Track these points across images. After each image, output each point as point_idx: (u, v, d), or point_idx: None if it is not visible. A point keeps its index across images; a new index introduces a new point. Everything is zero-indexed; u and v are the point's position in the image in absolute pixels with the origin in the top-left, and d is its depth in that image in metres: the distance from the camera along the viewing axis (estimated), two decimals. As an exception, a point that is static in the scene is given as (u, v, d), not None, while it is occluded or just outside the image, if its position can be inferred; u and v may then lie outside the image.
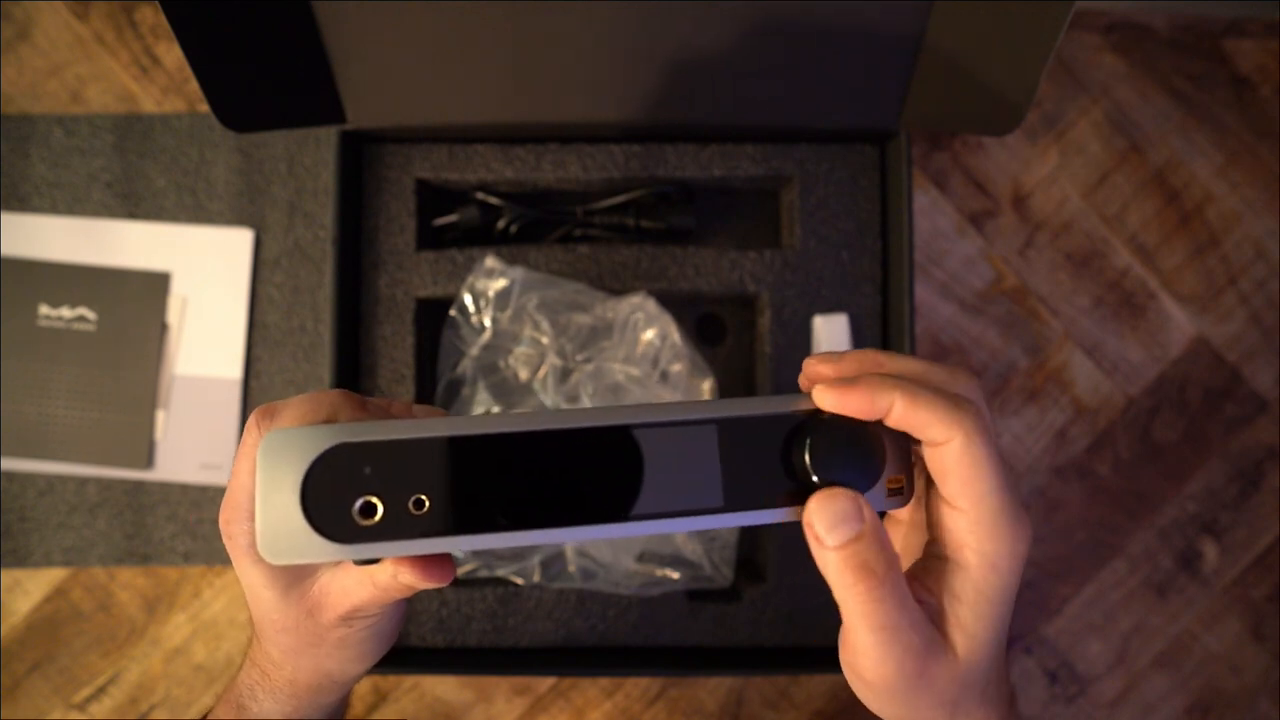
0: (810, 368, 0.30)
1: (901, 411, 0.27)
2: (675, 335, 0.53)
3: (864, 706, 0.31)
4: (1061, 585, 0.61)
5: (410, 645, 0.54)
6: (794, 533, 0.33)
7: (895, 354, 0.30)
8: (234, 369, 0.60)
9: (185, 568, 0.59)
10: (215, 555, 0.59)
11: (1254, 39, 0.63)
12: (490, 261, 0.54)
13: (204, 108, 0.60)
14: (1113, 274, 0.62)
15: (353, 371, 0.55)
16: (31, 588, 0.60)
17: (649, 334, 0.53)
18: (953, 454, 0.27)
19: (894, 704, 0.29)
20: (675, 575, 0.54)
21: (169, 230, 0.60)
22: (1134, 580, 0.61)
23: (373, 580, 0.30)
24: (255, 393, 0.60)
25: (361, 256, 0.56)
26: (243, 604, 0.60)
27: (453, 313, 0.55)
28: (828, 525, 0.27)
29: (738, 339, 0.59)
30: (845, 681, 0.34)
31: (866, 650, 0.27)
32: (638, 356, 0.53)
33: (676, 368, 0.54)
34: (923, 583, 0.29)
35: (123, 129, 0.61)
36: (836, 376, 0.29)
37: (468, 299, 0.54)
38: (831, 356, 0.30)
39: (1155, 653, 0.61)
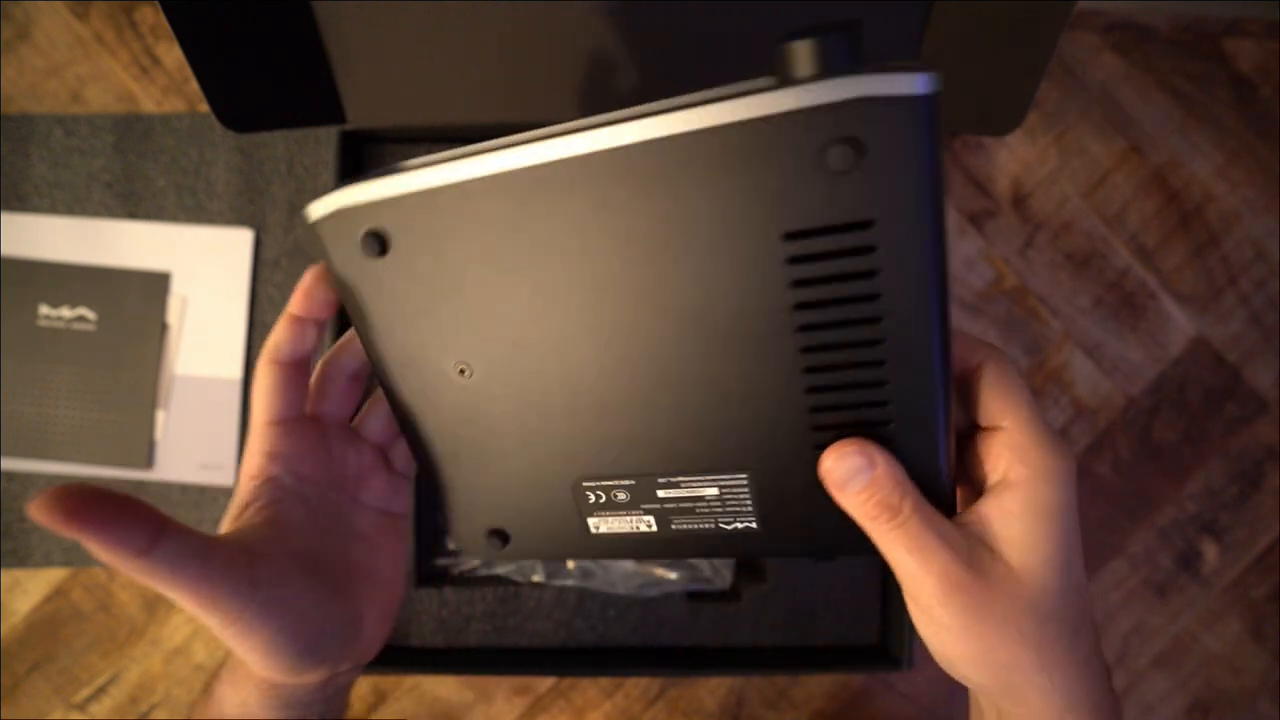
0: None
1: None
2: None
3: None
4: (1061, 585, 0.61)
5: (410, 645, 0.54)
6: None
7: None
8: (234, 369, 0.60)
9: (185, 568, 0.59)
10: (215, 555, 0.59)
11: (1254, 39, 0.63)
12: None
13: (204, 108, 0.60)
14: (1113, 274, 0.62)
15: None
16: (31, 588, 0.60)
17: None
18: (986, 375, 0.28)
19: (964, 638, 0.28)
20: (674, 576, 0.54)
21: (169, 230, 0.60)
22: (1134, 580, 0.61)
23: None
24: (255, 393, 0.60)
25: (361, 256, 0.56)
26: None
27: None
28: (843, 479, 0.28)
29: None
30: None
31: (911, 576, 0.28)
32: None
33: None
34: (973, 512, 0.29)
35: (123, 129, 0.61)
36: None
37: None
38: None
39: (1155, 653, 0.61)
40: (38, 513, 0.24)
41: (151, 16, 0.62)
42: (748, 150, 0.24)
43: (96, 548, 0.25)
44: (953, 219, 0.62)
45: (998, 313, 0.62)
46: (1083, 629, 0.28)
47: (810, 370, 0.27)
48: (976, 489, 0.30)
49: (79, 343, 0.60)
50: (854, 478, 0.28)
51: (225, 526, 0.32)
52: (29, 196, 0.60)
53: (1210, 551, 0.61)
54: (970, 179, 0.62)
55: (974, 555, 0.28)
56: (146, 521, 0.26)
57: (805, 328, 0.27)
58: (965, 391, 0.29)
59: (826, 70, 0.23)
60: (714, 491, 0.31)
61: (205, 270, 0.60)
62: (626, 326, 0.28)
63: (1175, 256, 0.62)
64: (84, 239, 0.60)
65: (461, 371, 0.32)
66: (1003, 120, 0.48)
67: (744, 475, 0.31)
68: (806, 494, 0.30)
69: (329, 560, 0.33)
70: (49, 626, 0.59)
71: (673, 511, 0.33)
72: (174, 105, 0.62)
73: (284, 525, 0.32)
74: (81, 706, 0.59)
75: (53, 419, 0.59)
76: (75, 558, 0.59)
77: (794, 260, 0.25)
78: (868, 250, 0.25)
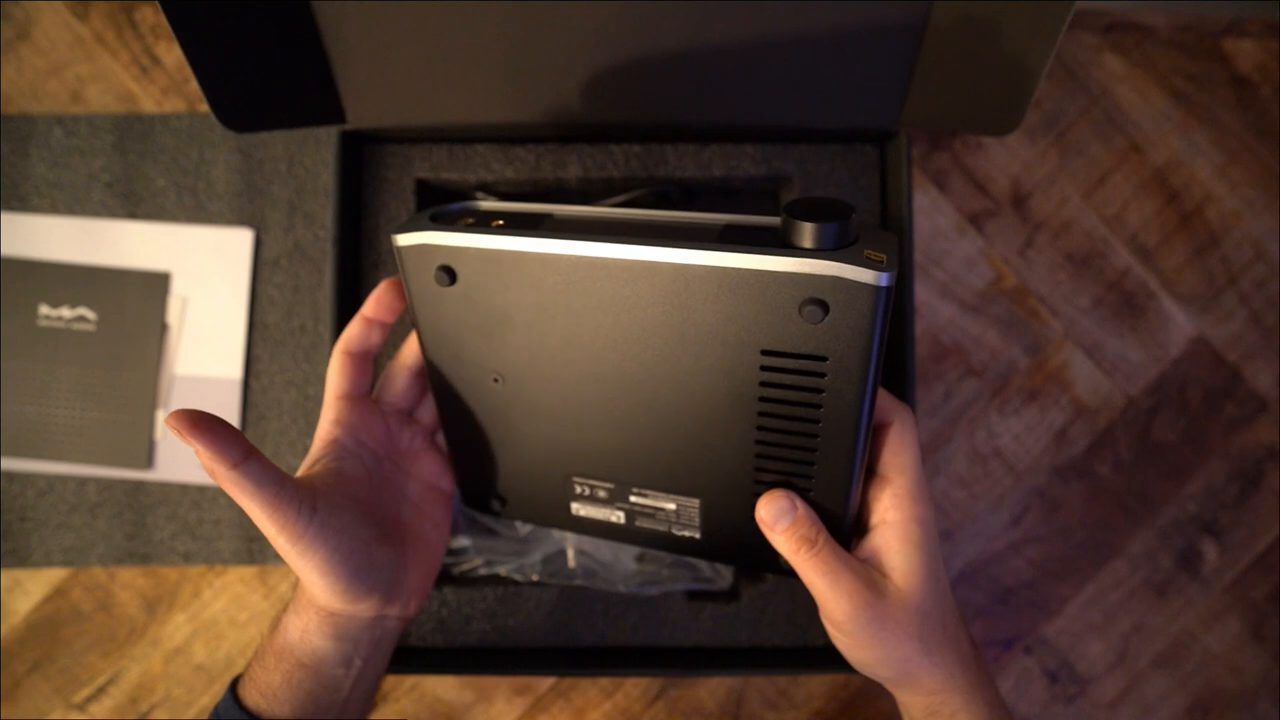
0: None
1: None
2: None
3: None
4: (1061, 585, 0.61)
5: (410, 645, 0.54)
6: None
7: None
8: (234, 369, 0.60)
9: (185, 568, 0.59)
10: (215, 555, 0.59)
11: (1254, 39, 0.63)
12: None
13: (204, 108, 0.60)
14: (1113, 274, 0.62)
15: (353, 371, 0.55)
16: (31, 588, 0.60)
17: None
18: (892, 431, 0.37)
19: (870, 644, 0.36)
20: (675, 576, 0.54)
21: (169, 230, 0.61)
22: (1134, 580, 0.61)
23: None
24: (255, 393, 0.60)
25: (361, 256, 0.56)
26: (243, 604, 0.60)
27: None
28: (773, 518, 0.36)
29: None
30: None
31: (825, 597, 0.36)
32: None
33: None
34: (864, 546, 0.38)
35: (123, 129, 0.61)
36: None
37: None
38: None
39: (1155, 653, 0.61)
40: (171, 422, 0.32)
41: (151, 16, 0.62)
42: (749, 287, 0.32)
43: (203, 455, 0.32)
44: (953, 219, 0.62)
45: (998, 313, 0.62)
46: (949, 620, 0.38)
47: (760, 442, 0.36)
48: (861, 524, 0.39)
49: (79, 343, 0.60)
50: (781, 518, 0.36)
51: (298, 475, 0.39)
52: (29, 196, 0.61)
53: (1210, 551, 0.61)
54: (970, 179, 0.62)
55: (871, 578, 0.36)
56: (241, 445, 0.33)
57: (763, 414, 0.35)
58: (873, 440, 0.37)
59: (819, 245, 0.31)
60: (672, 506, 0.41)
61: (205, 270, 0.60)
62: (632, 380, 0.36)
63: (1175, 256, 0.62)
64: (84, 239, 0.60)
65: (495, 380, 0.39)
66: (1003, 120, 0.48)
67: (697, 500, 0.40)
68: (736, 523, 0.40)
69: (380, 512, 0.39)
70: (49, 626, 0.59)
71: (639, 513, 0.42)
72: (174, 105, 0.62)
73: (343, 476, 0.38)
74: (81, 706, 0.59)
75: (53, 419, 0.59)
76: (75, 558, 0.59)
77: (765, 369, 0.34)
78: (819, 375, 0.33)
